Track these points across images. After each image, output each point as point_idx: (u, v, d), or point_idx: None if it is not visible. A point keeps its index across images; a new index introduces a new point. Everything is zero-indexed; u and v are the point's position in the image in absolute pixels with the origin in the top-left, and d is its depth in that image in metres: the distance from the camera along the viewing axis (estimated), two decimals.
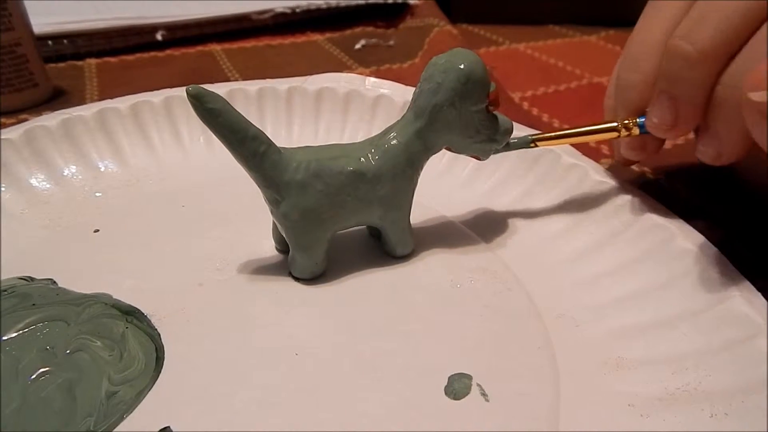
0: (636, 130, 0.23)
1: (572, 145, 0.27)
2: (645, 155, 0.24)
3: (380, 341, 0.20)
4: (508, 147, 0.24)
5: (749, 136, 0.18)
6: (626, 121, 0.23)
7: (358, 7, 0.58)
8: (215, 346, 0.20)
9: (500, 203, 0.27)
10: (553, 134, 0.24)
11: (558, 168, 0.27)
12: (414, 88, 0.22)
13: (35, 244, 0.25)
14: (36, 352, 0.19)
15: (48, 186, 0.28)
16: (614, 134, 0.23)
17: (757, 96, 0.16)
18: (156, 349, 0.19)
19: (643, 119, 0.22)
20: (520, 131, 0.28)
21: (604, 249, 0.23)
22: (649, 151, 0.24)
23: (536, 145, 0.24)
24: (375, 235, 0.25)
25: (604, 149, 0.34)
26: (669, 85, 0.20)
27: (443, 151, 0.23)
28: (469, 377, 0.19)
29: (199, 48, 0.50)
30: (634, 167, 0.32)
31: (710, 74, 0.19)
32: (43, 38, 0.43)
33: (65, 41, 0.46)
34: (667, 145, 0.34)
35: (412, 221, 0.24)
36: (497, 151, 0.24)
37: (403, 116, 0.23)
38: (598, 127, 0.24)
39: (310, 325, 0.21)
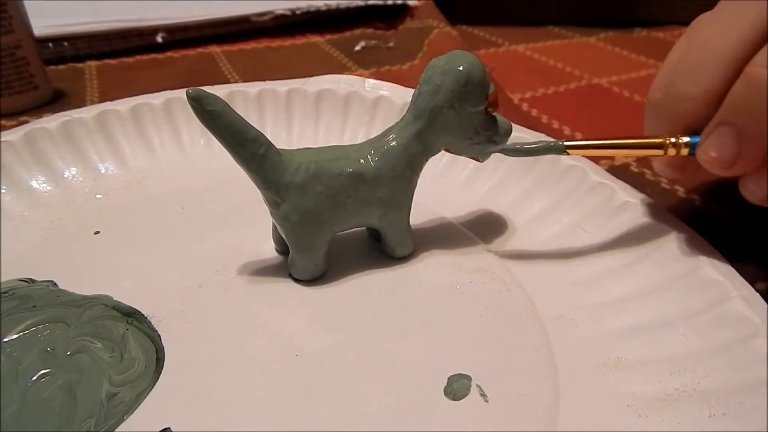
0: (685, 152, 0.20)
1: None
2: (683, 175, 0.22)
3: (380, 342, 0.20)
4: (536, 151, 0.22)
5: None
6: (673, 140, 0.20)
7: (357, 8, 0.58)
8: (215, 348, 0.20)
9: (499, 204, 0.27)
10: (590, 143, 0.22)
11: (557, 169, 0.27)
12: (413, 90, 0.22)
13: (36, 246, 0.25)
14: (36, 354, 0.19)
15: (48, 188, 0.28)
16: (659, 152, 0.21)
17: None
18: (156, 350, 0.20)
19: (695, 140, 0.20)
20: (519, 132, 0.28)
21: (602, 250, 0.24)
22: (689, 172, 0.21)
23: (568, 153, 0.22)
24: (374, 236, 0.25)
25: None
26: (737, 117, 0.18)
27: (442, 152, 0.23)
28: (468, 378, 0.19)
29: (199, 50, 0.50)
30: (633, 168, 0.32)
31: None
32: (43, 40, 0.44)
33: (65, 43, 0.46)
34: None
35: (411, 222, 0.24)
36: (525, 154, 0.22)
37: (402, 118, 0.23)
38: (643, 141, 0.21)
39: (310, 326, 0.21)
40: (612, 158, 0.33)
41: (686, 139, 0.20)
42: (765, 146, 0.18)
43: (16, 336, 0.20)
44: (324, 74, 0.34)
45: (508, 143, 0.23)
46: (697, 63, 0.19)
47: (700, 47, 0.20)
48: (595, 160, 0.27)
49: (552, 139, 0.22)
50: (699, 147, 0.20)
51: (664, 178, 0.22)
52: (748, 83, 0.17)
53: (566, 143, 0.22)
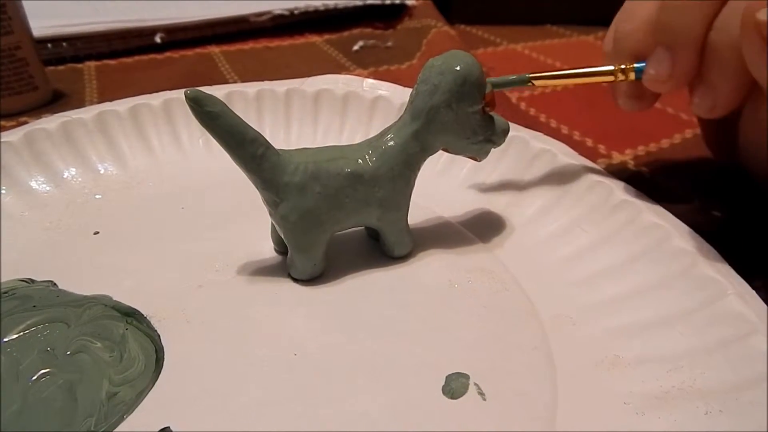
0: (632, 75, 0.23)
1: (572, 85, 0.28)
2: (643, 104, 0.24)
3: (378, 341, 0.20)
4: (506, 85, 0.25)
5: (743, 81, 0.18)
6: (623, 66, 0.23)
7: (356, 8, 0.58)
8: (215, 347, 0.20)
9: (497, 203, 0.28)
10: (551, 73, 0.25)
11: (555, 168, 0.27)
12: (411, 90, 0.23)
13: (35, 247, 0.25)
14: (37, 354, 0.19)
15: (48, 188, 0.28)
16: (610, 77, 0.24)
17: (762, 14, 0.16)
18: (156, 350, 0.20)
19: (641, 65, 0.23)
20: (517, 131, 0.28)
21: (600, 248, 0.24)
22: (647, 100, 0.24)
23: (533, 84, 0.25)
24: (373, 236, 0.25)
25: (601, 148, 0.34)
26: (664, 35, 0.21)
27: (440, 152, 0.23)
28: (466, 376, 0.19)
29: (198, 50, 0.51)
30: (630, 167, 0.32)
31: (703, 19, 0.20)
32: (42, 41, 0.44)
33: (65, 44, 0.46)
34: (664, 143, 0.35)
35: (410, 222, 0.24)
36: (494, 87, 0.23)
37: (400, 118, 0.23)
38: (595, 70, 0.24)
39: (309, 326, 0.21)
40: (609, 157, 0.33)
41: (634, 65, 0.23)
42: (692, 52, 0.20)
43: (17, 336, 0.20)
44: (322, 74, 0.34)
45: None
46: (631, 6, 0.24)
47: None
48: (592, 158, 0.27)
49: (515, 75, 0.25)
50: (644, 72, 0.22)
51: (626, 109, 0.25)
52: (663, 3, 0.21)
53: (530, 75, 0.25)
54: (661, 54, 0.21)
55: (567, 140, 0.31)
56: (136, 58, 0.48)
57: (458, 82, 0.21)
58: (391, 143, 0.22)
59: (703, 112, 0.21)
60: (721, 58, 0.20)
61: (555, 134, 0.32)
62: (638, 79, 0.23)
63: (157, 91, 0.33)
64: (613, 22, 0.26)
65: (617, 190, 0.25)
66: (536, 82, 0.25)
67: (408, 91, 0.31)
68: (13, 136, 0.28)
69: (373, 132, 0.28)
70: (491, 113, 0.23)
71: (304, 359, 0.19)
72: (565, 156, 0.27)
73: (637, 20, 0.23)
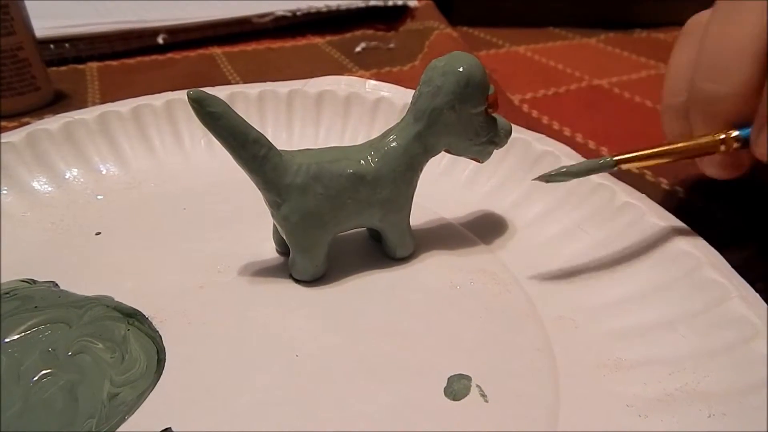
0: (735, 145, 0.20)
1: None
2: (736, 174, 0.21)
3: (380, 342, 0.20)
4: (585, 172, 0.21)
5: None
6: (722, 137, 0.20)
7: (358, 10, 0.58)
8: (216, 348, 0.20)
9: (500, 205, 0.28)
10: (641, 154, 0.21)
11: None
12: (414, 91, 0.23)
13: (37, 247, 0.25)
14: (38, 354, 0.19)
15: (50, 189, 0.28)
16: (712, 150, 0.21)
17: None
18: (157, 351, 0.20)
19: (745, 132, 0.20)
20: (519, 134, 0.28)
21: (603, 250, 0.24)
22: (740, 168, 0.21)
23: (620, 168, 0.21)
24: (375, 237, 0.25)
25: (603, 151, 0.34)
26: None
27: (443, 153, 0.23)
28: (468, 378, 0.19)
29: (200, 51, 0.51)
30: (633, 169, 0.32)
31: None
32: (44, 42, 0.44)
33: (67, 45, 0.46)
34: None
35: (411, 223, 0.24)
36: (573, 176, 0.21)
37: (402, 119, 0.23)
38: (695, 143, 0.21)
39: (311, 327, 0.21)
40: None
41: (736, 133, 0.20)
42: None
43: (18, 336, 0.20)
44: (325, 75, 0.34)
45: (552, 171, 0.21)
46: (720, 63, 0.20)
47: (715, 47, 0.20)
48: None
49: (599, 159, 0.21)
50: (755, 138, 0.19)
51: (719, 178, 0.22)
52: None
53: (616, 157, 0.21)
54: None
55: (569, 142, 0.31)
56: (138, 59, 0.48)
57: (461, 83, 0.21)
58: (394, 144, 0.22)
59: None
60: None
61: (557, 136, 0.32)
62: (743, 148, 0.20)
63: (159, 92, 0.33)
64: (687, 71, 0.22)
65: (620, 192, 0.25)
66: (623, 166, 0.21)
67: (410, 92, 0.31)
68: (15, 136, 0.28)
69: (375, 133, 0.28)
70: (494, 115, 0.23)
71: (305, 360, 0.19)
72: (567, 158, 0.27)
73: (737, 80, 0.19)
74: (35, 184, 0.28)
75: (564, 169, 0.21)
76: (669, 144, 0.21)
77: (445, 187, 0.29)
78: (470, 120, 0.22)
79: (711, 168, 0.22)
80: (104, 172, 0.30)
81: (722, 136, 0.20)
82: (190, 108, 0.19)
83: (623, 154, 0.21)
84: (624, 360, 0.19)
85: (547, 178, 0.21)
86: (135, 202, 0.28)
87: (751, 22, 0.19)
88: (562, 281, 0.23)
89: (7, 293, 0.22)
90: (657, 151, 0.21)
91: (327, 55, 0.50)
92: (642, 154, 0.21)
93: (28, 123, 0.31)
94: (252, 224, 0.25)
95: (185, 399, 0.18)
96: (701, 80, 0.20)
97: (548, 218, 0.26)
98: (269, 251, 0.25)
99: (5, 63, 0.35)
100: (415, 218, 0.24)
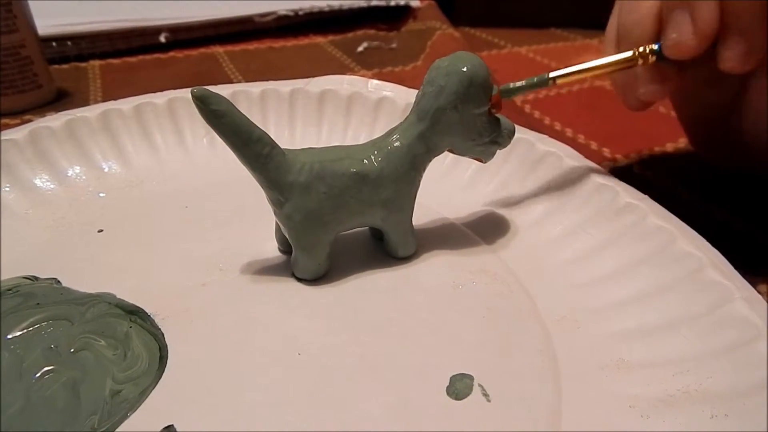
0: (652, 58, 0.23)
1: (592, 77, 0.25)
2: (667, 86, 0.24)
3: (382, 341, 0.20)
4: (526, 87, 0.24)
5: None
6: (641, 50, 0.23)
7: (360, 9, 0.58)
8: (218, 346, 0.20)
9: (502, 205, 0.28)
10: (571, 70, 0.24)
11: (559, 170, 0.27)
12: (416, 91, 0.23)
13: (39, 244, 0.25)
14: (40, 351, 0.19)
15: (52, 186, 0.28)
16: (630, 63, 0.23)
17: None
18: (159, 348, 0.20)
19: (658, 45, 0.23)
20: (522, 134, 0.28)
21: (605, 251, 0.24)
22: (670, 80, 0.24)
23: (555, 82, 0.24)
24: (377, 236, 0.25)
25: (606, 152, 0.34)
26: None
27: (446, 153, 0.23)
28: (470, 378, 0.19)
29: (202, 50, 0.51)
30: (635, 170, 0.32)
31: None
32: (47, 40, 0.44)
33: (69, 43, 0.46)
34: (669, 147, 0.35)
35: (414, 223, 0.24)
36: (520, 89, 0.23)
37: (405, 119, 0.23)
38: (615, 58, 0.24)
39: (313, 326, 0.21)
40: (614, 160, 0.33)
41: (652, 46, 0.23)
42: (714, 12, 0.20)
43: (20, 333, 0.20)
44: (327, 75, 0.34)
45: (501, 87, 0.23)
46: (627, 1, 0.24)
47: None
48: (597, 161, 0.27)
49: (537, 76, 0.24)
50: (663, 42, 0.22)
51: (651, 97, 0.25)
52: None
53: (552, 74, 0.24)
54: (678, 16, 0.21)
55: (572, 143, 0.31)
56: (140, 57, 0.48)
57: (464, 83, 0.21)
58: (397, 144, 0.22)
59: (737, 63, 0.21)
60: None
61: (560, 137, 0.32)
62: (660, 60, 0.23)
63: (161, 91, 0.33)
64: (612, 19, 0.27)
65: (622, 193, 0.25)
66: (558, 81, 0.24)
67: (412, 92, 0.31)
68: (18, 134, 0.28)
69: (377, 133, 0.28)
70: (497, 115, 0.23)
71: (307, 359, 0.19)
72: (569, 159, 0.27)
73: (642, 8, 0.23)
74: (37, 182, 0.28)
75: (510, 86, 0.24)
76: (598, 59, 0.24)
77: (448, 187, 0.29)
78: (473, 120, 0.22)
79: (641, 86, 0.24)
80: (106, 169, 0.30)
81: (640, 50, 0.23)
82: (192, 106, 0.19)
83: (557, 71, 0.24)
84: (626, 361, 0.19)
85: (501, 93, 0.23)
86: (137, 200, 0.28)
87: None
88: (564, 282, 0.23)
89: (9, 290, 0.22)
90: (587, 67, 0.24)
91: (329, 55, 0.50)
92: (574, 70, 0.24)
93: (30, 120, 0.31)
94: (254, 223, 0.25)
95: (187, 396, 0.18)
96: (621, 15, 0.25)
97: (550, 219, 0.26)
98: (271, 250, 0.25)
99: (7, 61, 0.35)
100: (418, 218, 0.24)
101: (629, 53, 0.23)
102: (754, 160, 0.25)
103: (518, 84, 0.24)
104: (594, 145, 0.35)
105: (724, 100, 0.25)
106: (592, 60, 0.24)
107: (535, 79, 0.24)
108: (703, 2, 0.21)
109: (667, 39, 0.22)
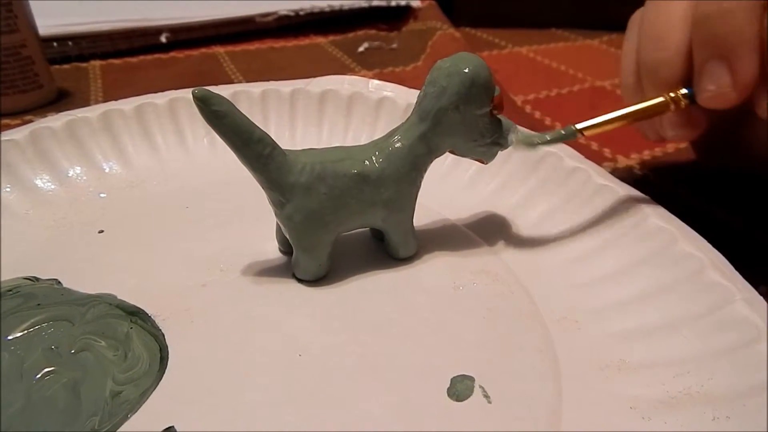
0: (685, 101, 0.22)
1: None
2: (695, 131, 0.23)
3: (383, 342, 0.20)
4: (551, 141, 0.23)
5: None
6: (672, 95, 0.22)
7: (361, 10, 0.58)
8: (219, 347, 0.20)
9: (503, 206, 0.28)
10: (600, 120, 0.23)
11: (560, 171, 0.27)
12: (417, 91, 0.23)
13: (40, 245, 0.25)
14: (41, 352, 0.19)
15: (53, 187, 0.28)
16: (663, 109, 0.22)
17: None
18: (160, 349, 0.20)
19: (690, 90, 0.22)
20: None
21: (606, 252, 0.24)
22: (699, 125, 0.23)
23: (582, 135, 0.23)
24: (378, 237, 0.25)
25: (606, 152, 0.34)
26: (715, 46, 0.20)
27: (446, 153, 0.23)
28: (471, 379, 0.19)
29: (203, 50, 0.51)
30: (636, 171, 0.32)
31: (756, 16, 0.19)
32: (47, 40, 0.44)
33: (70, 43, 0.46)
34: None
35: (415, 223, 0.24)
36: (544, 143, 0.23)
37: (407, 119, 0.23)
38: (647, 105, 0.23)
39: (313, 326, 0.21)
40: (615, 161, 0.33)
41: (683, 90, 0.22)
42: (755, 58, 0.20)
43: (21, 334, 0.20)
44: (327, 75, 0.34)
45: (521, 136, 0.23)
46: (656, 34, 0.22)
47: (651, 22, 0.23)
48: (598, 162, 0.27)
49: (562, 129, 0.23)
50: (697, 89, 0.21)
51: (680, 142, 0.25)
52: (704, 16, 0.20)
53: (578, 126, 0.23)
54: (715, 67, 0.20)
55: (572, 144, 0.31)
56: (141, 57, 0.48)
57: (466, 84, 0.21)
58: (398, 144, 0.22)
59: None
60: None
61: None
62: (692, 104, 0.22)
63: (161, 91, 0.33)
64: (628, 48, 0.25)
65: (623, 193, 0.25)
66: (586, 132, 0.23)
67: (413, 92, 0.31)
68: (18, 134, 0.28)
69: (378, 133, 0.28)
70: (499, 116, 0.23)
71: (308, 360, 0.19)
72: (570, 159, 0.27)
73: (672, 46, 0.22)
74: (38, 182, 0.28)
75: (532, 138, 0.23)
76: (625, 107, 0.23)
77: (449, 188, 0.29)
78: (475, 121, 0.22)
79: (670, 130, 0.24)
80: (107, 170, 0.30)
81: (672, 95, 0.22)
82: (193, 106, 0.19)
83: (584, 122, 0.23)
84: (627, 362, 0.19)
85: (516, 145, 0.23)
86: (138, 201, 0.28)
87: None
88: (564, 282, 0.23)
89: (9, 291, 0.22)
90: (616, 116, 0.23)
91: (330, 55, 0.50)
92: (602, 121, 0.23)
93: (30, 121, 0.31)
94: (255, 223, 0.25)
95: (188, 397, 0.18)
96: (644, 52, 0.23)
97: (551, 219, 0.26)
98: (272, 250, 0.25)
99: (8, 61, 0.35)
100: (418, 218, 0.24)
101: (660, 99, 0.22)
102: (758, 165, 0.25)
103: (545, 137, 0.23)
104: (594, 146, 0.35)
105: (731, 116, 0.24)
106: (619, 109, 0.23)
107: (563, 132, 0.23)
108: (744, 55, 0.20)
109: (703, 91, 0.21)
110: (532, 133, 0.24)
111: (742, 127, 0.25)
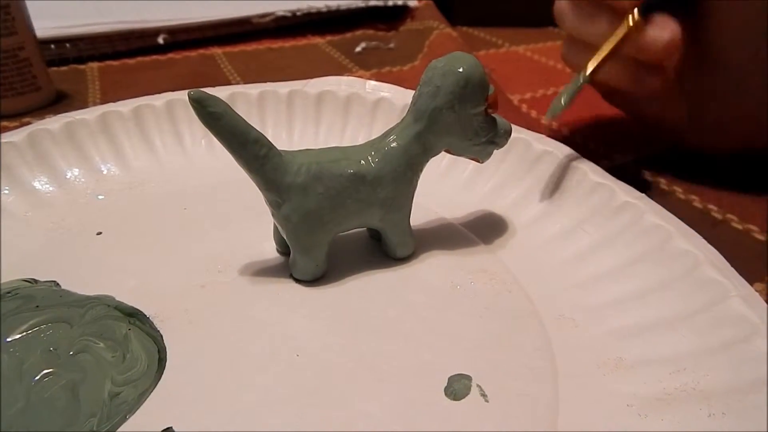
0: (638, 18, 0.24)
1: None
2: (657, 77, 0.26)
3: (381, 342, 0.20)
4: (572, 97, 0.25)
5: None
6: (629, 16, 0.24)
7: (358, 10, 0.58)
8: (217, 348, 0.20)
9: (500, 205, 0.28)
10: (600, 60, 0.25)
11: (557, 170, 0.27)
12: (414, 91, 0.23)
13: (38, 247, 0.25)
14: (40, 354, 0.19)
15: (51, 189, 0.28)
16: (631, 30, 0.25)
17: None
18: (158, 350, 0.20)
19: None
20: (519, 134, 0.28)
21: (603, 250, 0.24)
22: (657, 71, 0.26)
23: (592, 79, 0.25)
24: (375, 237, 0.25)
25: (603, 151, 0.34)
26: None
27: (443, 153, 0.23)
28: (468, 378, 0.19)
29: (201, 51, 0.51)
30: (631, 169, 0.32)
31: None
32: (45, 42, 0.44)
33: (68, 45, 0.46)
34: (666, 146, 0.35)
35: (412, 223, 0.24)
36: (568, 103, 0.25)
37: (402, 119, 0.23)
38: (619, 31, 0.25)
39: (311, 327, 0.21)
40: (611, 159, 0.33)
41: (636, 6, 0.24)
42: None
43: (20, 336, 0.20)
44: (325, 75, 0.34)
45: (549, 114, 0.26)
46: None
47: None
48: (594, 161, 0.27)
49: (575, 79, 0.26)
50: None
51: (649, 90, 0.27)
52: None
53: (588, 72, 0.25)
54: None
55: (569, 142, 0.31)
56: (139, 59, 0.48)
57: (461, 83, 0.21)
58: (394, 144, 0.22)
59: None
60: None
61: (556, 136, 0.32)
62: (646, 14, 0.24)
63: (159, 92, 0.33)
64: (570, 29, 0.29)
65: (619, 191, 0.25)
66: (594, 77, 0.25)
67: (410, 92, 0.31)
68: (17, 136, 0.28)
69: (375, 133, 0.28)
70: (494, 115, 0.23)
71: (306, 360, 0.19)
72: (567, 158, 0.27)
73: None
74: (36, 184, 0.28)
75: (557, 108, 0.25)
76: (608, 43, 0.25)
77: (446, 187, 0.29)
78: (470, 120, 0.22)
79: (637, 83, 0.26)
80: (105, 172, 0.30)
81: (629, 17, 0.24)
82: (190, 108, 0.19)
83: (587, 69, 0.25)
84: (624, 359, 0.19)
85: (552, 115, 0.25)
86: (136, 202, 0.28)
87: None
88: (562, 281, 0.23)
89: (8, 293, 0.22)
90: (609, 53, 0.25)
91: (327, 55, 0.50)
92: (602, 60, 0.25)
93: (29, 123, 0.31)
94: (252, 224, 0.25)
95: (186, 398, 0.18)
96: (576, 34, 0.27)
97: (548, 218, 0.26)
98: (270, 251, 0.25)
99: (6, 63, 0.35)
100: (416, 218, 0.24)
101: (623, 26, 0.25)
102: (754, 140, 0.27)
103: (567, 98, 0.25)
104: (591, 145, 0.35)
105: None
106: (607, 46, 0.25)
107: (578, 83, 0.25)
108: None
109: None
110: (555, 104, 0.25)
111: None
